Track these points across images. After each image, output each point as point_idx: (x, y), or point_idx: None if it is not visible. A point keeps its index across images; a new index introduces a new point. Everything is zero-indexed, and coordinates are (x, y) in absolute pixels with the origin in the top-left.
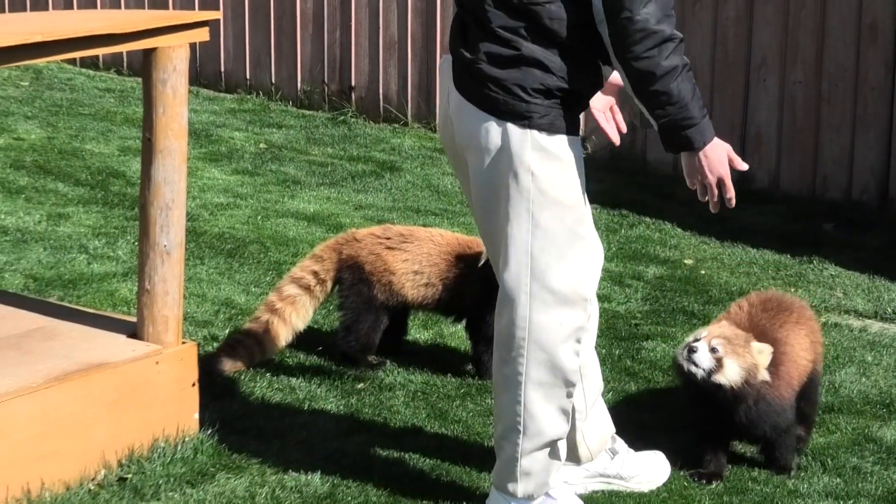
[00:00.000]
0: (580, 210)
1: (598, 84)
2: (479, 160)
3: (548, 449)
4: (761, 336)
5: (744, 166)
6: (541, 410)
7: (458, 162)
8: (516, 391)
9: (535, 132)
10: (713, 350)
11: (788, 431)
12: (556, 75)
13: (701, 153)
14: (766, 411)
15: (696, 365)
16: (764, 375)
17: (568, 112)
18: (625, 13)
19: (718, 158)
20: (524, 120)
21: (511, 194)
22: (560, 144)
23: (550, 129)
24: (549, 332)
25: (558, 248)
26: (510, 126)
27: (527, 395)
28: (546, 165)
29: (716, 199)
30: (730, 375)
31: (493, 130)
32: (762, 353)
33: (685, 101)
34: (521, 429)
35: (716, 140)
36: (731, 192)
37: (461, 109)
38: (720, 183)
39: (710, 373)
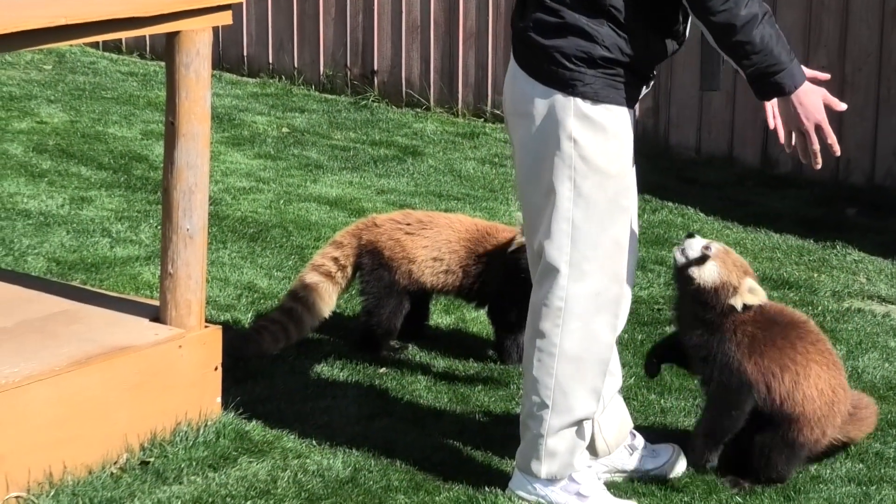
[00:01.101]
0: (624, 181)
1: (656, 57)
2: (525, 127)
3: (574, 428)
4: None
5: (842, 106)
6: (572, 386)
7: (511, 131)
8: (549, 364)
9: (578, 100)
10: (706, 248)
11: (730, 406)
12: (600, 45)
13: (794, 98)
14: (722, 361)
15: (683, 252)
16: (738, 304)
17: (620, 83)
18: None
19: (813, 103)
20: (568, 88)
21: (554, 162)
22: (606, 114)
23: (595, 98)
24: (586, 302)
25: (599, 218)
26: (555, 93)
27: (559, 368)
28: (589, 134)
29: (816, 147)
30: (705, 274)
31: (539, 97)
32: (752, 292)
33: (770, 48)
34: (550, 404)
35: (807, 84)
36: (831, 138)
37: (514, 76)
38: (818, 129)
39: (689, 263)
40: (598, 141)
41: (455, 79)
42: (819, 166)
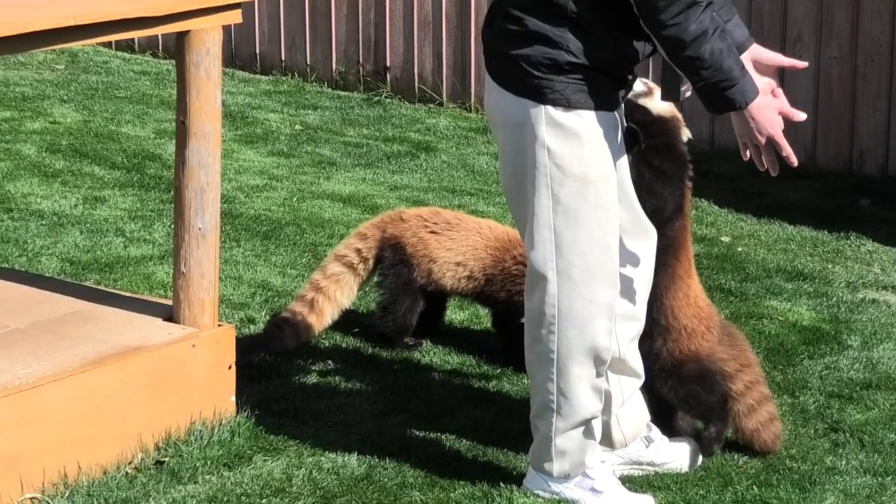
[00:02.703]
0: (608, 185)
1: (626, 59)
2: (503, 137)
3: (582, 428)
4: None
5: (800, 116)
6: (573, 389)
7: (496, 133)
8: (548, 369)
9: (549, 108)
10: (647, 83)
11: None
12: (565, 50)
13: (746, 113)
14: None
15: (632, 90)
16: (687, 134)
17: (593, 88)
18: None
19: (766, 117)
20: (538, 96)
21: (531, 171)
22: (578, 120)
23: (567, 105)
24: (578, 309)
25: (583, 224)
26: (526, 102)
27: (559, 373)
28: (562, 141)
29: (772, 159)
30: (658, 103)
31: (511, 107)
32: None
33: (720, 63)
34: (555, 407)
35: (762, 98)
36: (786, 150)
37: (489, 88)
38: (771, 142)
39: (637, 95)
40: (571, 148)
41: (468, 74)
42: (776, 174)
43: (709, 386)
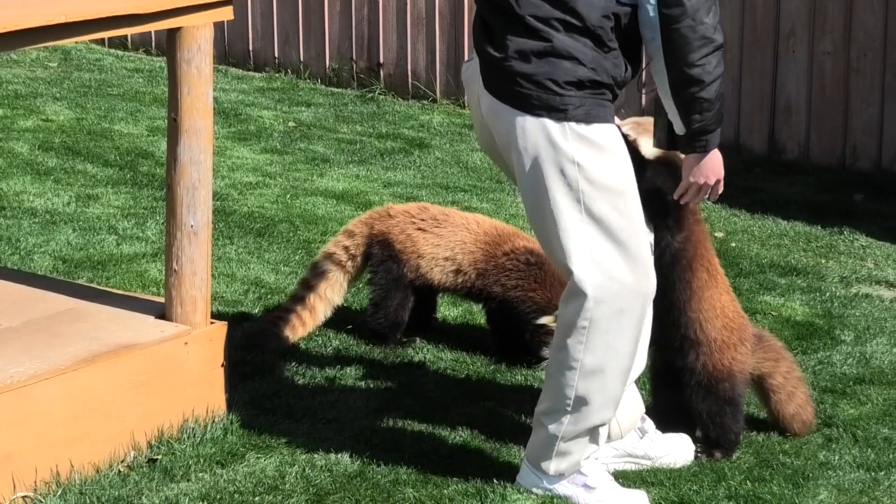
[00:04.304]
0: (632, 196)
1: (626, 79)
2: (522, 160)
3: (589, 435)
4: None
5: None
6: (591, 397)
7: (504, 165)
8: (570, 376)
9: (572, 124)
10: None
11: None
12: (587, 67)
13: (710, 156)
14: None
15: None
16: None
17: (605, 102)
18: (688, 21)
19: (719, 160)
20: (560, 113)
21: (561, 189)
22: (600, 132)
23: (587, 119)
24: (611, 320)
25: (617, 237)
26: (547, 121)
27: (580, 381)
28: (590, 155)
29: (714, 197)
30: (646, 148)
31: (531, 127)
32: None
33: (718, 108)
34: (569, 411)
35: None
36: (720, 190)
37: (495, 112)
38: (716, 184)
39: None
40: (599, 160)
41: (461, 70)
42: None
43: (737, 414)
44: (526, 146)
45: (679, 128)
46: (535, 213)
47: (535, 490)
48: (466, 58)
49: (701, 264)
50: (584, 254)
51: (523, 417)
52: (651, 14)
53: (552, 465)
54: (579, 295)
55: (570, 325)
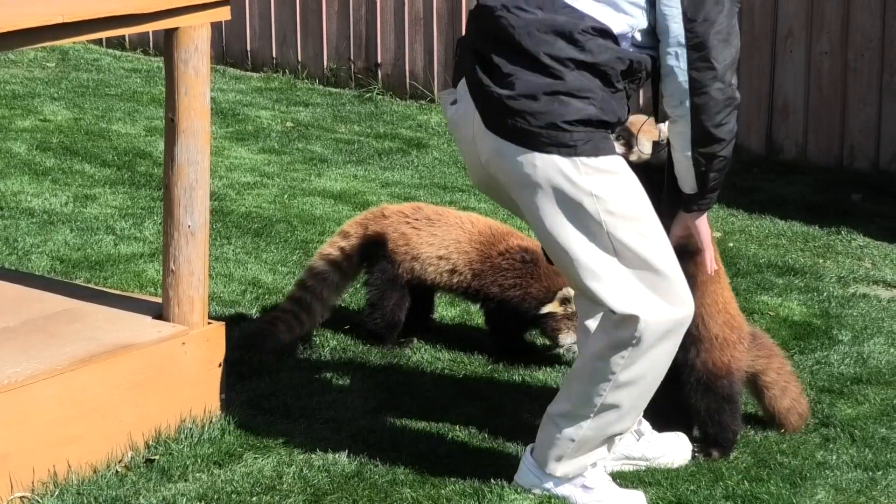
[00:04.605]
0: (652, 219)
1: (627, 118)
2: (536, 199)
3: (606, 442)
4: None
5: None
6: (620, 407)
7: (509, 203)
8: (603, 386)
9: (583, 158)
10: (618, 138)
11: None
12: (596, 107)
13: (703, 217)
14: None
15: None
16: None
17: (607, 135)
18: (718, 84)
19: (708, 224)
20: (569, 149)
21: (585, 225)
22: (609, 162)
23: (596, 152)
24: (657, 342)
25: (650, 262)
26: (557, 158)
27: (611, 392)
28: (606, 185)
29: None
30: (644, 149)
31: (542, 164)
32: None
33: (728, 167)
34: (592, 416)
35: None
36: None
37: (500, 152)
38: (708, 247)
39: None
40: (616, 188)
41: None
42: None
43: (735, 412)
44: (539, 184)
45: (689, 187)
46: (560, 251)
47: (533, 490)
48: (440, 94)
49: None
50: (623, 287)
51: (521, 417)
52: (681, 79)
53: (560, 467)
54: (628, 325)
55: (616, 346)
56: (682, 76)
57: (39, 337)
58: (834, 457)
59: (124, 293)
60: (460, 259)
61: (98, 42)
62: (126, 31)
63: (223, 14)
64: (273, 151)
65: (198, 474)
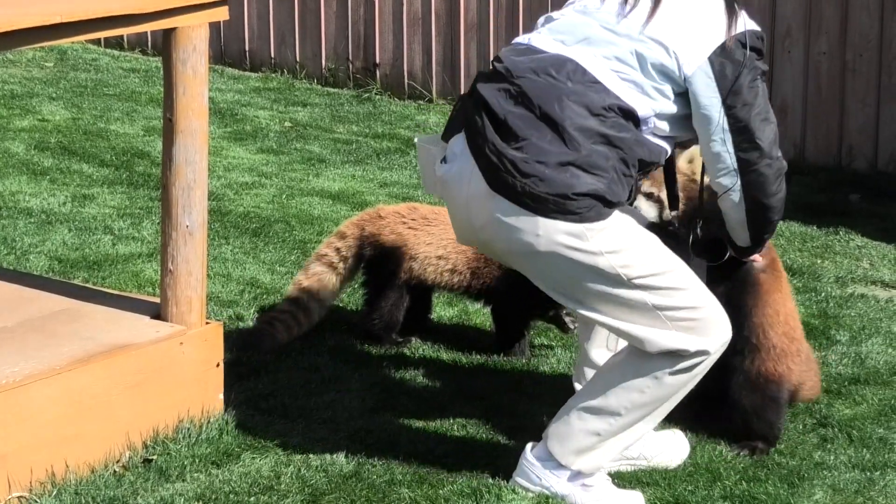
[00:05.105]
0: (668, 256)
1: (627, 200)
2: (542, 265)
3: (627, 441)
4: None
5: None
6: (654, 411)
7: (499, 259)
8: (640, 392)
9: (587, 224)
10: (649, 197)
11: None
12: (604, 185)
13: None
14: None
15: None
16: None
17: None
18: (765, 160)
19: None
20: (575, 216)
21: (602, 281)
22: (613, 218)
23: (599, 217)
24: (695, 362)
25: (684, 302)
26: (562, 224)
27: (653, 402)
28: (615, 239)
29: None
30: (645, 208)
31: (545, 231)
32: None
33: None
34: (623, 414)
35: None
36: None
37: (499, 216)
38: None
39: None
40: (626, 238)
41: (457, 70)
42: None
43: (780, 413)
44: (545, 252)
45: (744, 241)
46: (583, 309)
47: (531, 487)
48: (420, 140)
49: (771, 269)
50: (656, 326)
51: (519, 417)
52: (729, 162)
53: (579, 461)
54: (680, 352)
55: (667, 362)
56: (731, 159)
57: (37, 337)
58: (832, 457)
59: (122, 293)
60: (459, 258)
61: (96, 42)
62: (124, 31)
63: (221, 14)
64: (271, 151)
65: (196, 474)
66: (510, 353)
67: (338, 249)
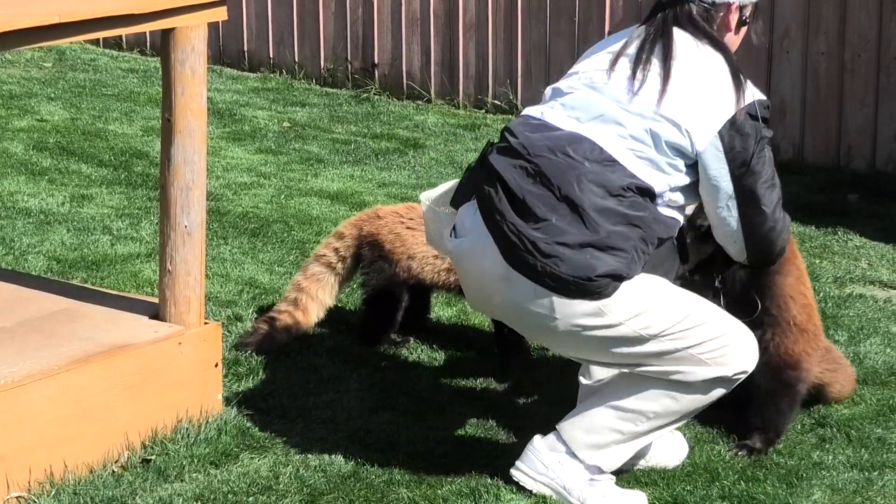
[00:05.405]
0: (688, 299)
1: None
2: (565, 340)
3: (646, 440)
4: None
5: None
6: (677, 416)
7: (519, 330)
8: (668, 402)
9: (604, 300)
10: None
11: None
12: (623, 264)
13: None
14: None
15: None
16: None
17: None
18: (769, 223)
19: None
20: (594, 296)
21: (628, 343)
22: (626, 286)
23: (615, 290)
24: (733, 383)
25: (709, 335)
26: (579, 305)
27: (682, 398)
28: (633, 301)
29: None
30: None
31: (564, 310)
32: None
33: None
34: (651, 418)
35: None
36: None
37: (523, 291)
38: None
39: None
40: (643, 299)
41: (456, 70)
42: None
43: (793, 406)
44: (566, 329)
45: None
46: (613, 366)
47: (535, 476)
48: (427, 200)
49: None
50: (691, 364)
51: (518, 417)
52: (734, 227)
53: (596, 456)
54: (715, 380)
55: (703, 385)
56: (735, 224)
57: (36, 337)
58: (830, 457)
59: (121, 293)
60: None
61: (95, 42)
62: (123, 32)
63: (220, 14)
64: (270, 152)
65: (194, 474)
66: (506, 355)
67: (336, 250)
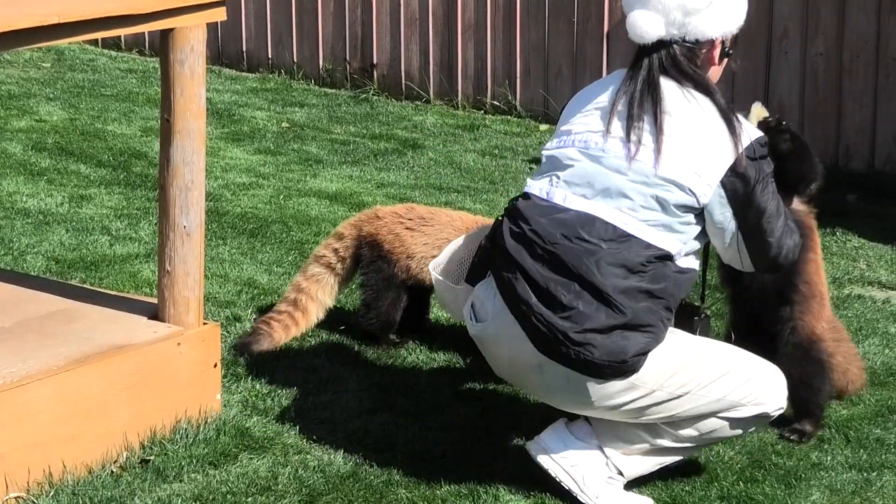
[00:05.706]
0: (707, 350)
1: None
2: (599, 413)
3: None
4: None
5: None
6: (707, 444)
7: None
8: (712, 423)
9: (636, 375)
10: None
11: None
12: (654, 339)
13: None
14: None
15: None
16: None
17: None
18: (775, 251)
19: None
20: (627, 374)
21: (669, 406)
22: (655, 352)
23: (645, 361)
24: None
25: (740, 380)
26: (611, 386)
27: (723, 433)
28: (663, 365)
29: None
30: None
31: (599, 395)
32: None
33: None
34: (677, 440)
35: None
36: None
37: (555, 374)
38: None
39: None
40: (674, 362)
41: (454, 71)
42: None
43: (825, 378)
44: (600, 407)
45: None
46: (655, 422)
47: (560, 461)
48: (440, 279)
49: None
50: (736, 410)
51: (516, 418)
52: (744, 262)
53: (623, 460)
54: (742, 409)
55: (743, 421)
56: (746, 258)
57: (35, 337)
58: (829, 458)
59: (120, 294)
60: None
61: (94, 42)
62: (122, 32)
63: (219, 15)
64: (268, 152)
65: (193, 475)
66: None
67: (336, 250)
